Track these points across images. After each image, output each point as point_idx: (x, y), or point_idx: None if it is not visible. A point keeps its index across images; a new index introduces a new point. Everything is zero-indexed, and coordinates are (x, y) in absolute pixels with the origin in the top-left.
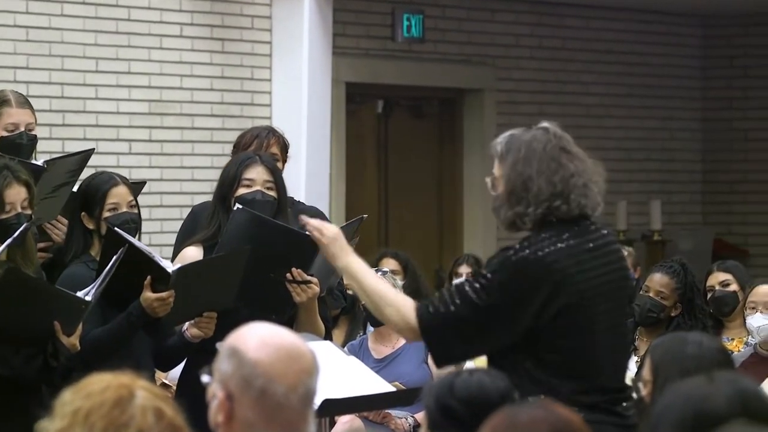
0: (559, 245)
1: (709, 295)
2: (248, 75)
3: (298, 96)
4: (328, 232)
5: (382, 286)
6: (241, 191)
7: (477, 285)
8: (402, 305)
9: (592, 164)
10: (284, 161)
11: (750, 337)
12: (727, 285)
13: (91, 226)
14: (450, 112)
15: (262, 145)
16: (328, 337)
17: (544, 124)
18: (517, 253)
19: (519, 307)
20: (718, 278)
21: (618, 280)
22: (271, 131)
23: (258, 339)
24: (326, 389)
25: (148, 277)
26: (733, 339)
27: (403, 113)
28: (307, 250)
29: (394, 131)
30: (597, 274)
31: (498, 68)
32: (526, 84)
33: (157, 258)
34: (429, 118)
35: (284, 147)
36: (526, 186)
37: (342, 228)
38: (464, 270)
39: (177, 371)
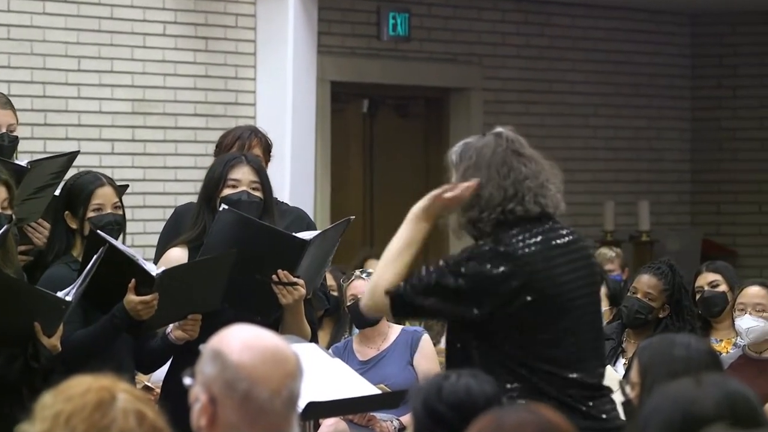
0: (529, 241)
1: (698, 296)
2: (232, 74)
3: (283, 95)
4: (451, 200)
5: (395, 248)
6: (227, 192)
7: (450, 268)
8: (392, 275)
9: (548, 166)
10: (267, 162)
11: (739, 338)
12: (716, 286)
13: (74, 226)
14: (436, 111)
15: (244, 146)
16: (313, 339)
17: (498, 129)
18: (488, 245)
19: (485, 295)
20: (707, 279)
21: (586, 277)
22: (254, 131)
23: (241, 342)
24: (310, 392)
25: (132, 280)
26: (721, 340)
27: (388, 112)
28: (294, 251)
29: (380, 131)
30: (566, 270)
31: (485, 67)
32: (512, 83)
33: (141, 261)
34: (415, 118)
35: (267, 147)
36: (478, 194)
37: (328, 230)
38: None
39: (161, 373)
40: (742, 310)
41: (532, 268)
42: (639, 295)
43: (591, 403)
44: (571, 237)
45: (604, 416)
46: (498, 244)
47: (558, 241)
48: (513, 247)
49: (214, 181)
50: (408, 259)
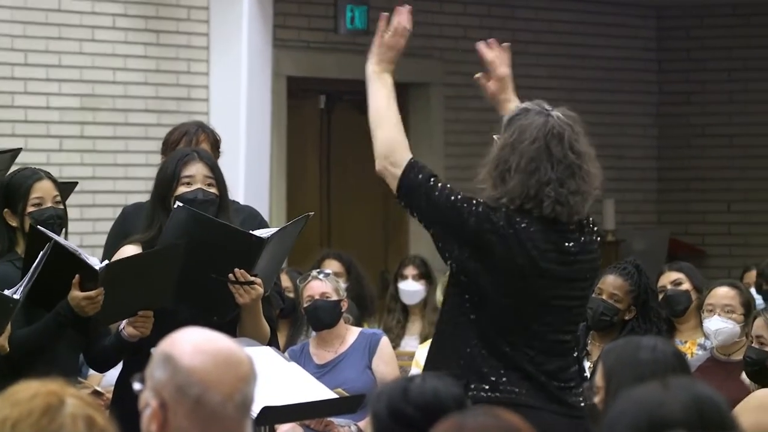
0: (533, 228)
1: (660, 296)
2: (184, 68)
3: (237, 90)
4: (394, 37)
5: (382, 103)
6: (181, 189)
7: (459, 195)
8: (400, 146)
9: (589, 164)
10: (216, 157)
11: (705, 339)
12: (679, 284)
13: (14, 224)
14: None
15: (192, 142)
16: (273, 337)
17: (556, 111)
18: (496, 202)
19: (472, 231)
20: (669, 277)
21: (578, 281)
22: (200, 126)
23: (193, 345)
24: (265, 396)
25: (77, 276)
26: (686, 341)
27: (346, 108)
28: (251, 249)
29: (338, 127)
30: (554, 261)
31: (445, 62)
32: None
33: (84, 255)
34: None
35: (215, 142)
36: (503, 177)
37: (287, 227)
38: (410, 272)
39: (111, 377)
40: (711, 311)
41: (517, 239)
42: (604, 297)
43: (572, 394)
44: (575, 247)
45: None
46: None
47: (563, 244)
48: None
49: (167, 180)
50: (395, 107)
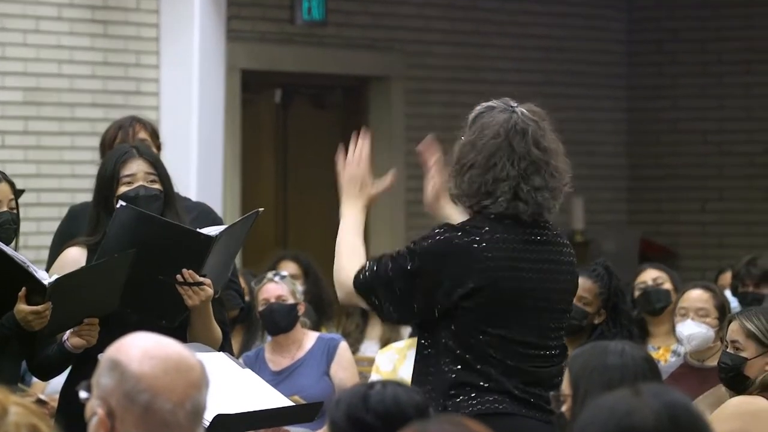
0: (492, 236)
1: (637, 293)
2: (133, 61)
3: (189, 84)
4: (352, 168)
5: (350, 241)
6: (123, 189)
7: (407, 249)
8: (350, 267)
9: (554, 165)
10: (158, 148)
11: (679, 345)
12: (661, 283)
13: None
14: (354, 102)
15: (128, 135)
16: (226, 340)
17: (521, 108)
18: (451, 231)
19: (433, 280)
20: (651, 275)
21: (553, 281)
22: (134, 118)
23: (141, 351)
24: (218, 404)
25: (23, 289)
26: (659, 347)
27: (303, 103)
28: (199, 248)
29: (294, 122)
30: (528, 268)
31: (407, 54)
32: (437, 71)
33: (32, 268)
34: (332, 109)
35: (153, 132)
36: (462, 172)
37: (235, 224)
38: None
39: (57, 385)
40: (684, 315)
41: (482, 266)
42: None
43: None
44: (543, 237)
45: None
46: (459, 231)
47: (525, 239)
48: (470, 239)
49: (107, 181)
50: (354, 238)
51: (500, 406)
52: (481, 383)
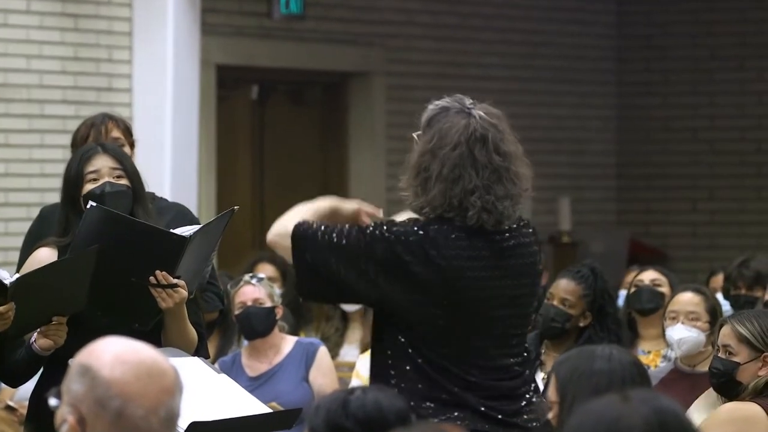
0: (458, 243)
1: (632, 290)
2: (105, 56)
3: (163, 80)
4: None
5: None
6: (88, 187)
7: (367, 230)
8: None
9: (514, 171)
10: (132, 145)
11: (670, 350)
12: (659, 285)
13: None
14: (334, 98)
15: (101, 133)
16: (202, 343)
17: (477, 110)
18: (413, 226)
19: (377, 267)
20: (650, 275)
21: (516, 287)
22: (106, 115)
23: (113, 355)
24: (193, 411)
25: None
26: (649, 352)
27: (281, 99)
28: (172, 249)
29: (272, 120)
30: (487, 276)
31: (388, 49)
32: (420, 67)
33: None
34: (311, 105)
35: (126, 130)
36: (425, 185)
37: (210, 223)
38: None
39: (26, 391)
40: (674, 318)
41: (448, 275)
42: (555, 302)
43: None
44: (507, 243)
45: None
46: (419, 230)
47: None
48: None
49: (73, 180)
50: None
51: (462, 423)
52: (440, 400)
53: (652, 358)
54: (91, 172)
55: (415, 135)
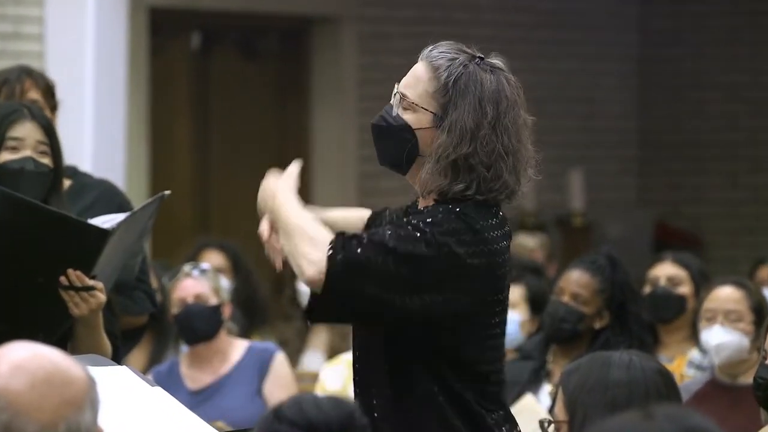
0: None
1: (648, 290)
2: None
3: (82, 25)
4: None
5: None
6: (5, 156)
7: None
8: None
9: (525, 137)
10: (53, 110)
11: (698, 354)
12: (678, 284)
13: None
14: (294, 49)
15: (14, 92)
16: (116, 357)
17: (496, 62)
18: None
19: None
20: (666, 271)
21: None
22: (24, 71)
23: (10, 362)
24: (121, 431)
25: None
26: (673, 358)
27: (229, 50)
28: (90, 244)
29: (218, 74)
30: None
31: None
32: (398, 11)
33: None
34: (265, 57)
35: (47, 89)
36: (468, 160)
37: (135, 213)
38: None
39: None
40: (711, 319)
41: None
42: (565, 298)
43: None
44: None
45: None
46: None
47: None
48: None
49: None
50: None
51: None
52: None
53: (677, 365)
54: (13, 138)
55: (415, 98)
